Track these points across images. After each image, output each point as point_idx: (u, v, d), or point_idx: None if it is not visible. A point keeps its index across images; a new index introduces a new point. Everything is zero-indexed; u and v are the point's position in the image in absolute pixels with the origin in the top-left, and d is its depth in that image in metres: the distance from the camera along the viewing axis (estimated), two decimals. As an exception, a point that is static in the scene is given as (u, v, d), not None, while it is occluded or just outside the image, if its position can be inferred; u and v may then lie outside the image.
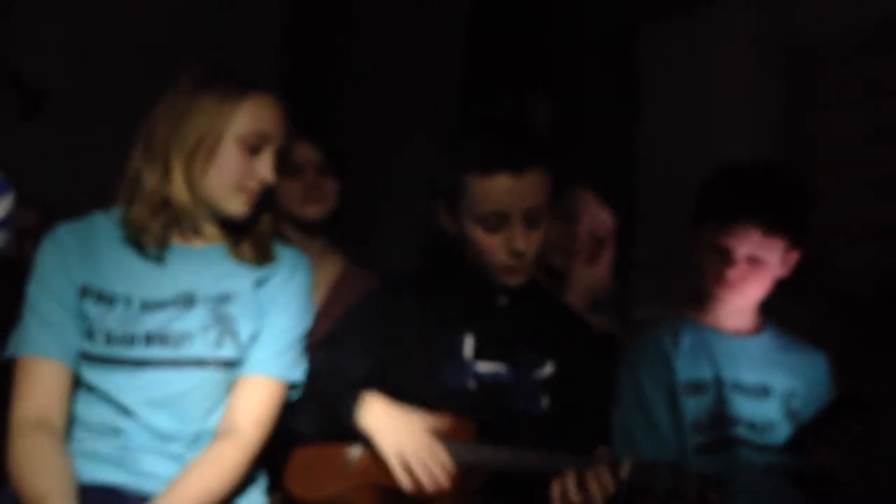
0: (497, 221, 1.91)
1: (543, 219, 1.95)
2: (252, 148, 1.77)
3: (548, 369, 1.96)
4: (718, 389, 2.01)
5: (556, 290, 2.44)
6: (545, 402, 1.94)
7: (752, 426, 2.00)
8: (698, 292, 2.09)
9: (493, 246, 1.93)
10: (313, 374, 1.87)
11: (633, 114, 3.15)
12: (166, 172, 1.76)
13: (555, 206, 2.41)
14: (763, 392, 2.03)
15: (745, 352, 2.06)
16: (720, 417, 2.00)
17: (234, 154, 1.76)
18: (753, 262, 1.99)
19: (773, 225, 1.98)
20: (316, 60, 3.61)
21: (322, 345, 1.98)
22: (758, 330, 2.10)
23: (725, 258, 2.00)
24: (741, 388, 2.02)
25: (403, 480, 1.81)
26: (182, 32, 3.17)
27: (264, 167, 1.78)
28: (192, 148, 1.75)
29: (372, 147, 3.38)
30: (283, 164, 2.38)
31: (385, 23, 3.68)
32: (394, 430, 1.84)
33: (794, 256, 2.04)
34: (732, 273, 1.99)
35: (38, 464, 1.67)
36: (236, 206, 1.78)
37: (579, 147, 3.16)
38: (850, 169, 2.65)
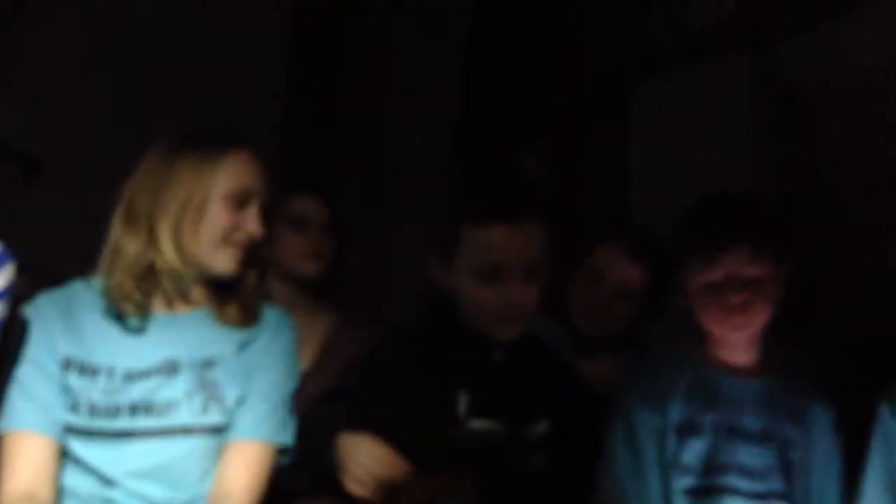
0: (493, 273, 1.90)
1: (540, 271, 1.93)
2: (238, 204, 1.77)
3: (543, 427, 1.93)
4: (714, 433, 1.96)
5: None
6: (541, 460, 1.91)
7: (747, 473, 1.94)
8: (698, 331, 2.03)
9: (489, 299, 1.91)
10: (311, 431, 1.85)
11: (625, 166, 3.15)
12: (151, 239, 1.76)
13: (582, 266, 2.40)
14: (762, 438, 1.97)
15: (747, 394, 1.99)
16: (713, 462, 1.94)
17: (221, 212, 1.76)
18: (749, 284, 1.94)
19: (763, 242, 1.94)
20: (316, 118, 3.63)
21: (320, 402, 1.97)
22: (761, 370, 2.03)
23: (726, 286, 1.94)
24: (739, 433, 1.96)
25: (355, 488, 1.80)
26: (180, 99, 3.20)
27: (252, 221, 1.78)
28: (177, 212, 1.75)
29: (371, 205, 3.38)
30: (284, 218, 2.40)
31: (383, 76, 3.71)
32: (356, 443, 1.83)
33: (785, 272, 1.98)
34: (738, 298, 1.94)
35: None
36: (226, 263, 1.77)
37: (574, 200, 3.16)
38: (847, 213, 2.63)
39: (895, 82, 2.57)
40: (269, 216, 1.82)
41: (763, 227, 1.97)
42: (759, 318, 1.98)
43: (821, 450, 1.98)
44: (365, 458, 1.82)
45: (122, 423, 1.72)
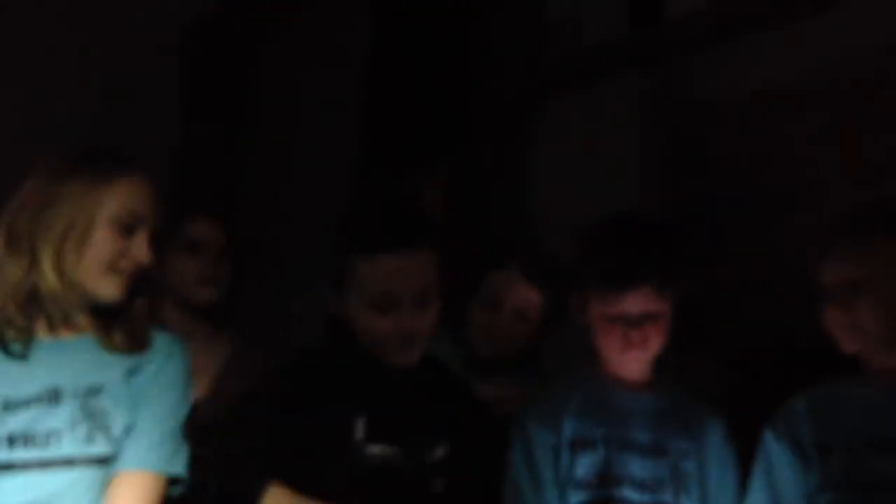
0: (385, 303, 1.89)
1: (433, 296, 1.92)
2: (125, 229, 1.72)
3: (441, 450, 1.92)
4: (606, 447, 1.98)
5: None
6: (439, 484, 1.89)
7: (638, 485, 1.96)
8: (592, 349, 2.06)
9: (383, 328, 1.90)
10: (209, 461, 1.81)
11: (524, 188, 3.18)
12: (33, 262, 1.69)
13: (480, 290, 2.40)
14: (653, 450, 1.99)
15: (639, 408, 2.03)
16: (606, 476, 1.96)
17: (107, 237, 1.71)
18: (652, 318, 1.99)
19: (659, 283, 1.98)
20: (214, 138, 3.58)
21: (216, 429, 1.92)
22: (654, 385, 2.07)
23: (621, 321, 1.98)
24: (630, 446, 1.99)
25: None
26: (76, 120, 3.11)
27: (139, 247, 1.73)
28: (61, 234, 1.69)
29: (266, 230, 3.34)
30: (179, 242, 2.34)
31: (283, 98, 3.68)
32: None
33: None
34: (635, 334, 1.98)
35: None
36: (111, 289, 1.71)
37: (473, 223, 3.16)
38: (739, 231, 2.69)
39: (785, 103, 2.64)
40: (160, 241, 1.77)
41: (664, 266, 2.00)
42: (655, 348, 2.03)
43: (714, 461, 2.02)
44: None
45: (0, 455, 1.64)
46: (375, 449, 1.88)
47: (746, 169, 2.69)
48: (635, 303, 1.98)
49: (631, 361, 2.04)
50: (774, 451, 1.94)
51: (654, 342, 2.01)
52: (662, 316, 2.00)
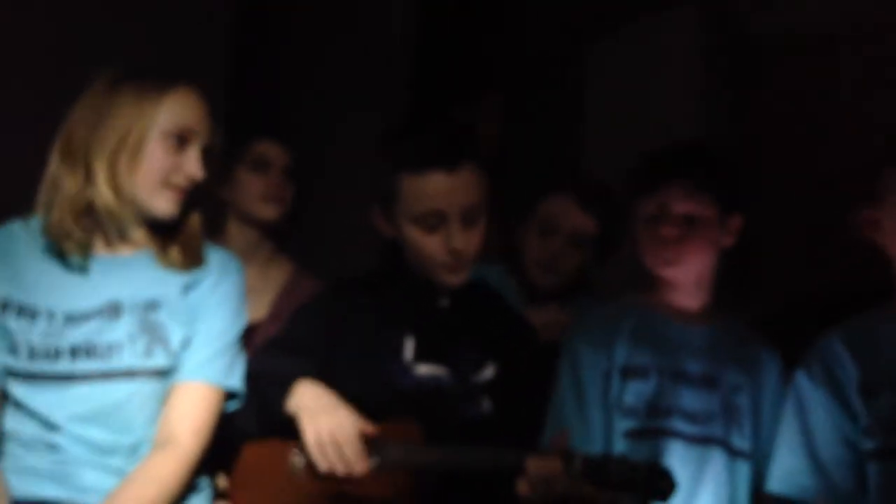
0: (434, 221, 1.90)
1: (481, 216, 1.93)
2: (177, 143, 1.73)
3: (489, 372, 1.94)
4: (659, 377, 1.97)
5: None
6: (486, 405, 1.92)
7: (689, 417, 1.95)
8: (646, 277, 2.04)
9: (431, 246, 1.91)
10: (256, 375, 1.84)
11: (578, 118, 3.16)
12: (88, 175, 1.71)
13: (535, 215, 2.40)
14: (706, 383, 1.98)
15: (693, 340, 2.00)
16: (656, 405, 1.95)
17: (159, 150, 1.71)
18: (689, 221, 1.95)
19: (703, 179, 1.96)
20: (264, 67, 3.59)
21: (267, 346, 1.97)
22: (709, 317, 2.04)
23: (661, 218, 1.96)
24: (683, 377, 1.97)
25: (318, 460, 1.78)
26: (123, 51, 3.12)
27: (191, 162, 1.73)
28: (114, 147, 1.70)
29: (322, 153, 3.36)
30: (245, 161, 2.34)
31: (332, 30, 3.67)
32: (316, 409, 1.80)
33: (737, 222, 2.00)
34: (669, 230, 1.95)
35: None
36: (164, 204, 1.73)
37: (527, 150, 3.16)
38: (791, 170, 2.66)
39: (843, 37, 2.59)
40: (216, 158, 1.78)
41: (703, 168, 1.98)
42: (694, 258, 1.98)
43: (769, 395, 2.00)
44: (326, 426, 1.79)
45: (63, 366, 1.70)
46: (423, 369, 1.91)
47: (807, 99, 2.65)
48: (666, 197, 1.95)
49: (667, 269, 1.98)
50: (808, 394, 1.91)
51: (691, 250, 1.96)
52: (701, 222, 1.96)
